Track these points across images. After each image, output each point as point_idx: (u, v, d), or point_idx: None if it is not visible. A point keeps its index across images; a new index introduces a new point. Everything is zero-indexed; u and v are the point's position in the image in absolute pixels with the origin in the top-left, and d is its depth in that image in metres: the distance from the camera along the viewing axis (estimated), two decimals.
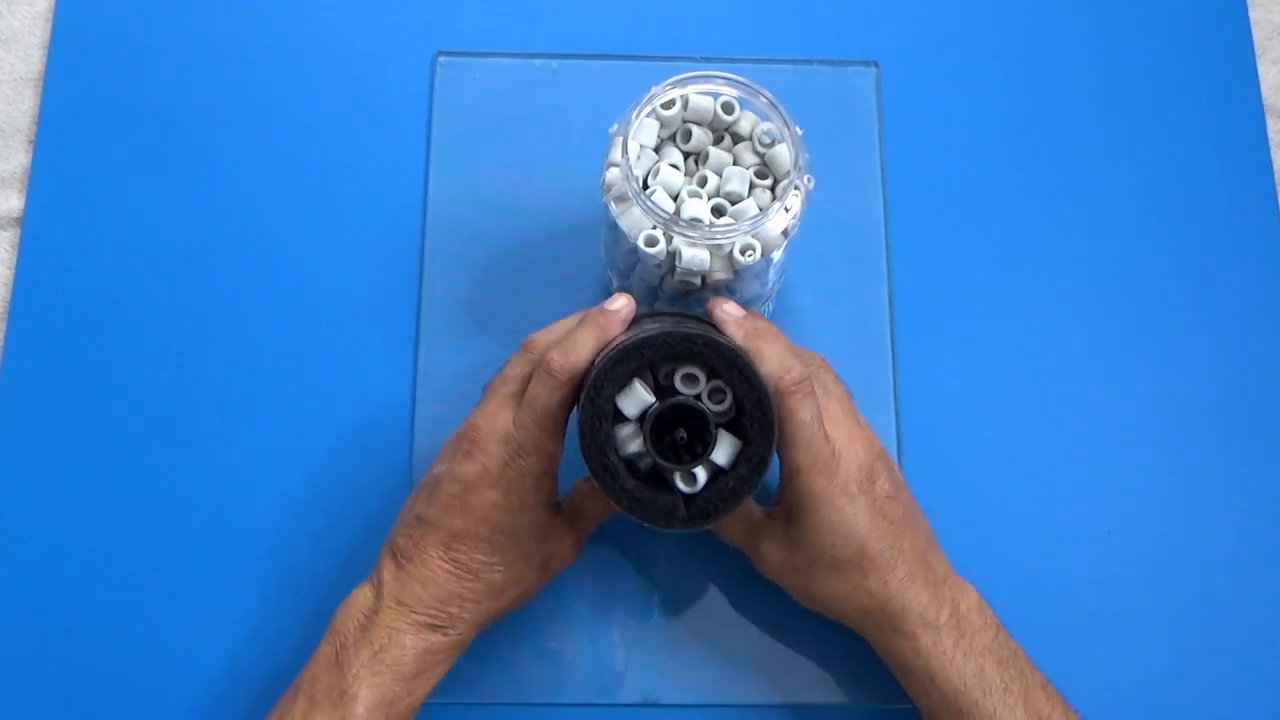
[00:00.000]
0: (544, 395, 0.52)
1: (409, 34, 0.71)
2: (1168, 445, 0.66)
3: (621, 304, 0.54)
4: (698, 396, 0.51)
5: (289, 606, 0.61)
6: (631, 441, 0.51)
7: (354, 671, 0.52)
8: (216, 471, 0.63)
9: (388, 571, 0.54)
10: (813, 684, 0.61)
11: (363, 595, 0.54)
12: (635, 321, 0.55)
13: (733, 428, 0.51)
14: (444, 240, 0.67)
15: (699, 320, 0.55)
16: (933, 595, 0.54)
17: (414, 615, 0.53)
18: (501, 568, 0.54)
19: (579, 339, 0.53)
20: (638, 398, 0.50)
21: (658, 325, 0.52)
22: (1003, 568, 0.62)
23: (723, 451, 0.50)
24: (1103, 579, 0.63)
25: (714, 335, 0.51)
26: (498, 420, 0.53)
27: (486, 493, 0.53)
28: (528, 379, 0.54)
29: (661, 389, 0.51)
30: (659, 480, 0.52)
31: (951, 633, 0.53)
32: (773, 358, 0.52)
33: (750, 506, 0.57)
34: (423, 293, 0.66)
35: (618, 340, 0.52)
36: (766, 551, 0.56)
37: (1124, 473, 0.65)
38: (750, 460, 0.50)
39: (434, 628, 0.53)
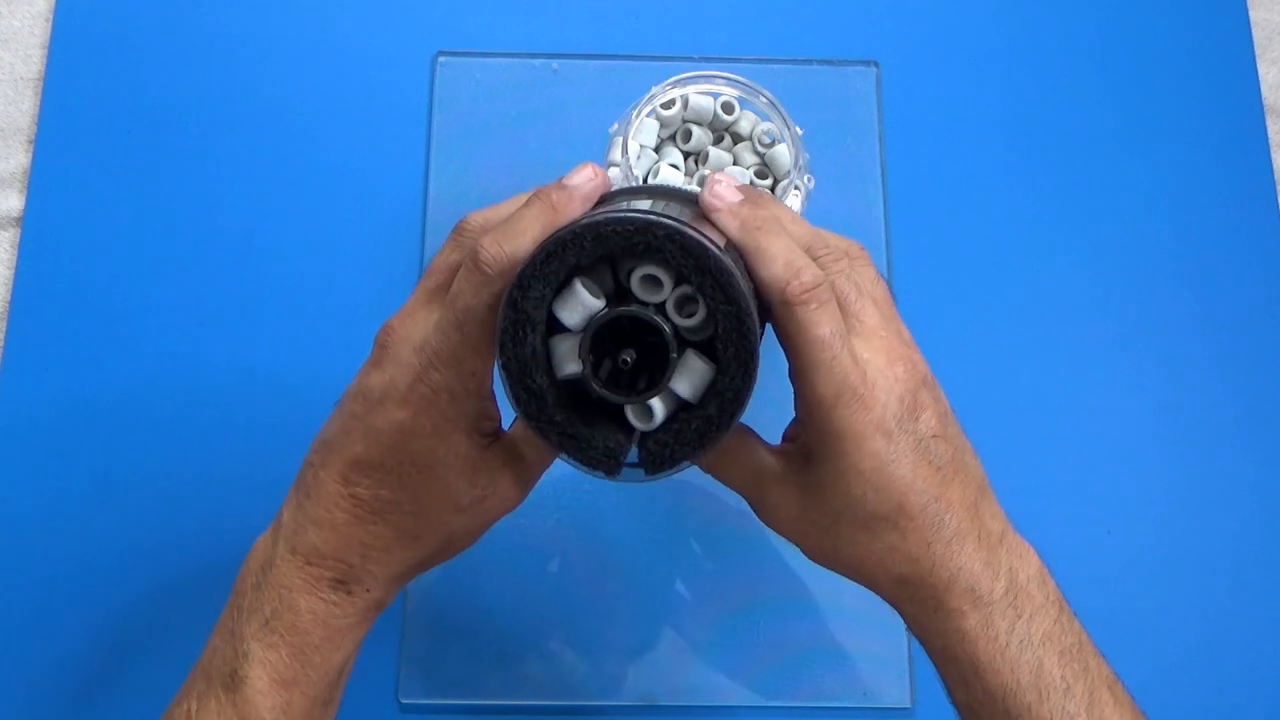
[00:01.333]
0: (468, 293, 0.41)
1: (409, 34, 0.71)
2: (1168, 445, 0.65)
3: (584, 177, 0.42)
4: (660, 306, 0.39)
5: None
6: (571, 361, 0.40)
7: (245, 645, 0.43)
8: (217, 471, 0.63)
9: (287, 511, 0.45)
10: (813, 684, 0.61)
11: (262, 543, 0.45)
12: (606, 200, 0.44)
13: (708, 350, 0.40)
14: (444, 240, 0.67)
15: (690, 203, 0.44)
16: (986, 561, 0.43)
17: (310, 569, 0.43)
18: (412, 507, 0.43)
19: (521, 222, 0.41)
20: (581, 303, 0.39)
21: (626, 205, 0.41)
22: None
23: (686, 380, 0.39)
24: (1103, 579, 0.63)
25: (686, 225, 0.39)
26: (414, 322, 0.43)
27: (393, 412, 0.42)
28: (457, 270, 0.43)
29: (622, 295, 0.40)
30: (603, 413, 0.42)
31: (1007, 613, 0.43)
32: (777, 257, 0.41)
33: (753, 443, 0.46)
34: None
35: (564, 225, 0.40)
36: (775, 502, 0.45)
37: (1124, 473, 0.65)
38: (721, 396, 0.39)
39: (335, 584, 0.44)
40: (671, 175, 0.57)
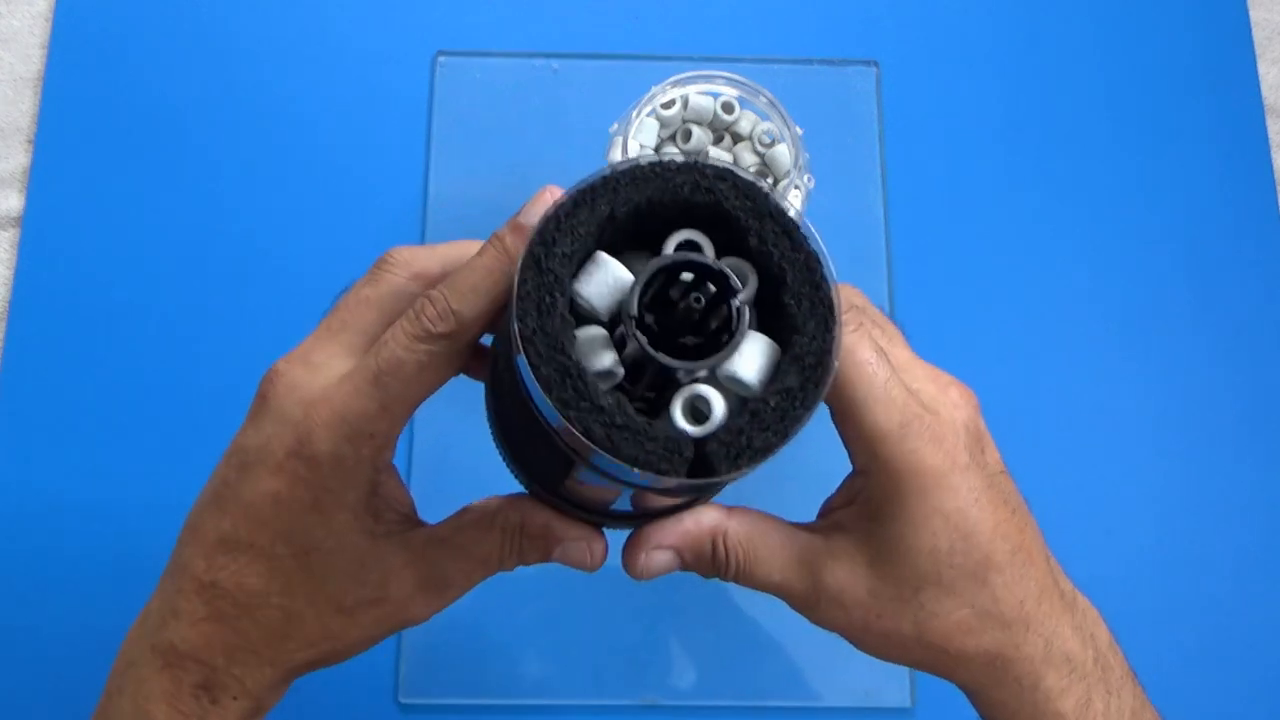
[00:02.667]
0: (403, 345, 0.34)
1: (409, 34, 0.71)
2: (1168, 445, 0.65)
3: (543, 205, 0.34)
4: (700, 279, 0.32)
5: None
6: (597, 355, 0.32)
7: None
8: None
9: (155, 597, 0.38)
10: (813, 684, 0.61)
11: (130, 639, 0.38)
12: None
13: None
14: (444, 240, 0.67)
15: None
16: (1074, 627, 0.38)
17: (169, 671, 0.36)
18: (282, 600, 0.36)
19: (474, 275, 0.34)
20: (609, 279, 0.32)
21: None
22: None
23: (750, 360, 0.32)
24: (1103, 579, 0.63)
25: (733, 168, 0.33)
26: (307, 368, 0.36)
27: (267, 479, 0.35)
28: (379, 313, 0.37)
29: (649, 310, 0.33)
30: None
31: (1099, 688, 0.37)
32: None
33: (785, 527, 0.38)
34: None
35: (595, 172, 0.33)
36: (837, 581, 0.37)
37: (1124, 473, 0.65)
38: (802, 363, 0.31)
39: (198, 691, 0.36)
40: None
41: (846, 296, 0.34)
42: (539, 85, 0.70)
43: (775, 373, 0.32)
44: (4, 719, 0.60)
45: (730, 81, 0.56)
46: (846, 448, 0.37)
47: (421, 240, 0.67)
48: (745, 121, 0.58)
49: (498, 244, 0.35)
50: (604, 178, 0.32)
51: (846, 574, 0.37)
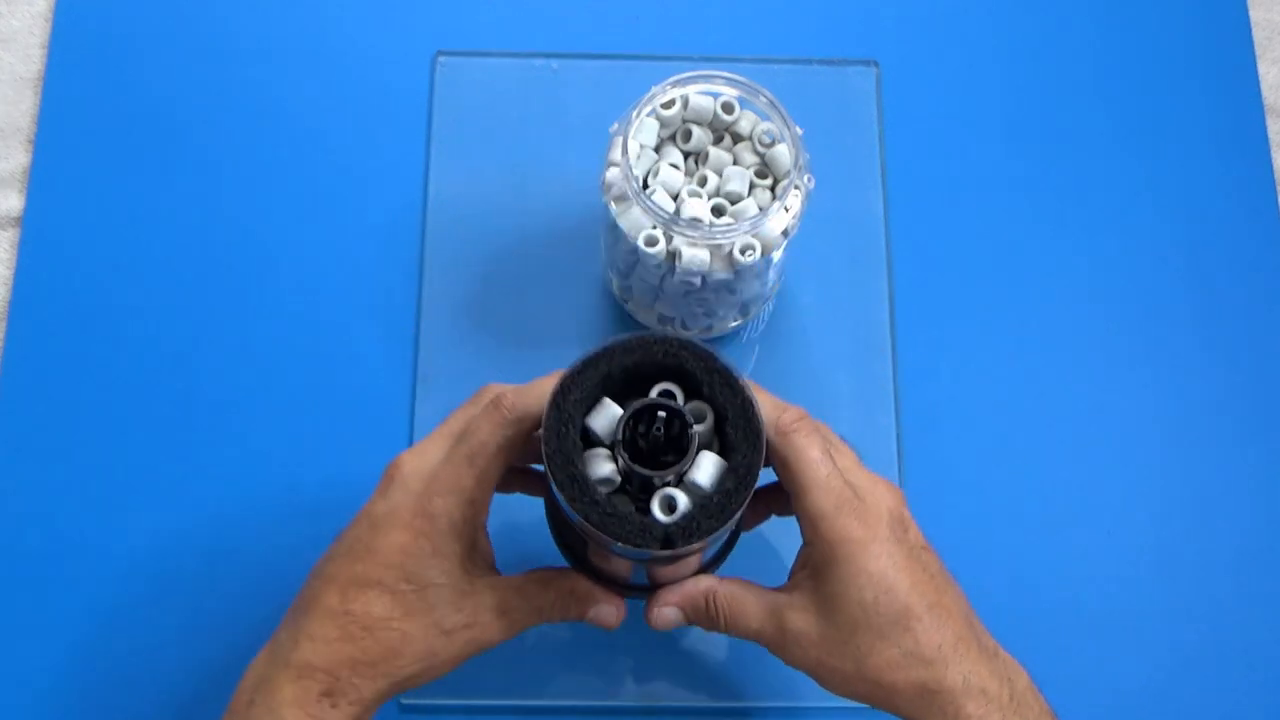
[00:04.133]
0: (484, 430, 0.47)
1: (409, 34, 0.71)
2: (1168, 445, 0.65)
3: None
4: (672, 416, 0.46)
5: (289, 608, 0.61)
6: (601, 465, 0.46)
7: None
8: (216, 472, 0.63)
9: (283, 630, 0.48)
10: (812, 684, 0.61)
11: (257, 662, 0.48)
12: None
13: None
14: (444, 240, 0.67)
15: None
16: (991, 669, 0.46)
17: (302, 682, 0.46)
18: (401, 624, 0.47)
19: (539, 382, 0.48)
20: (608, 415, 0.46)
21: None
22: (1003, 568, 0.62)
23: (704, 471, 0.45)
24: (1103, 579, 0.63)
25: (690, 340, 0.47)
26: (424, 456, 0.48)
27: (394, 534, 0.47)
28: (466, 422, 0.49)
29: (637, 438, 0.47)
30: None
31: (1014, 718, 0.46)
32: (764, 402, 0.47)
33: (761, 589, 0.51)
34: (423, 293, 0.66)
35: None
36: (795, 627, 0.48)
37: (1124, 473, 0.65)
38: (737, 472, 0.45)
39: (323, 696, 0.46)
40: (671, 175, 0.57)
41: (811, 422, 0.48)
42: (539, 85, 0.70)
43: (721, 478, 0.45)
44: (4, 715, 0.60)
45: (730, 81, 0.56)
46: (799, 524, 0.48)
47: (422, 239, 0.67)
48: (745, 121, 0.58)
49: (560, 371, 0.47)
50: (605, 348, 0.45)
51: (803, 621, 0.48)
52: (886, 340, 0.66)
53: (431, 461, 0.48)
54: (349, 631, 0.46)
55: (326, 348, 0.66)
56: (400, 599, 0.46)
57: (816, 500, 0.47)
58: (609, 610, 0.51)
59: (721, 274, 0.56)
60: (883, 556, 0.46)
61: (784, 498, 0.50)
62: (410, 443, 0.63)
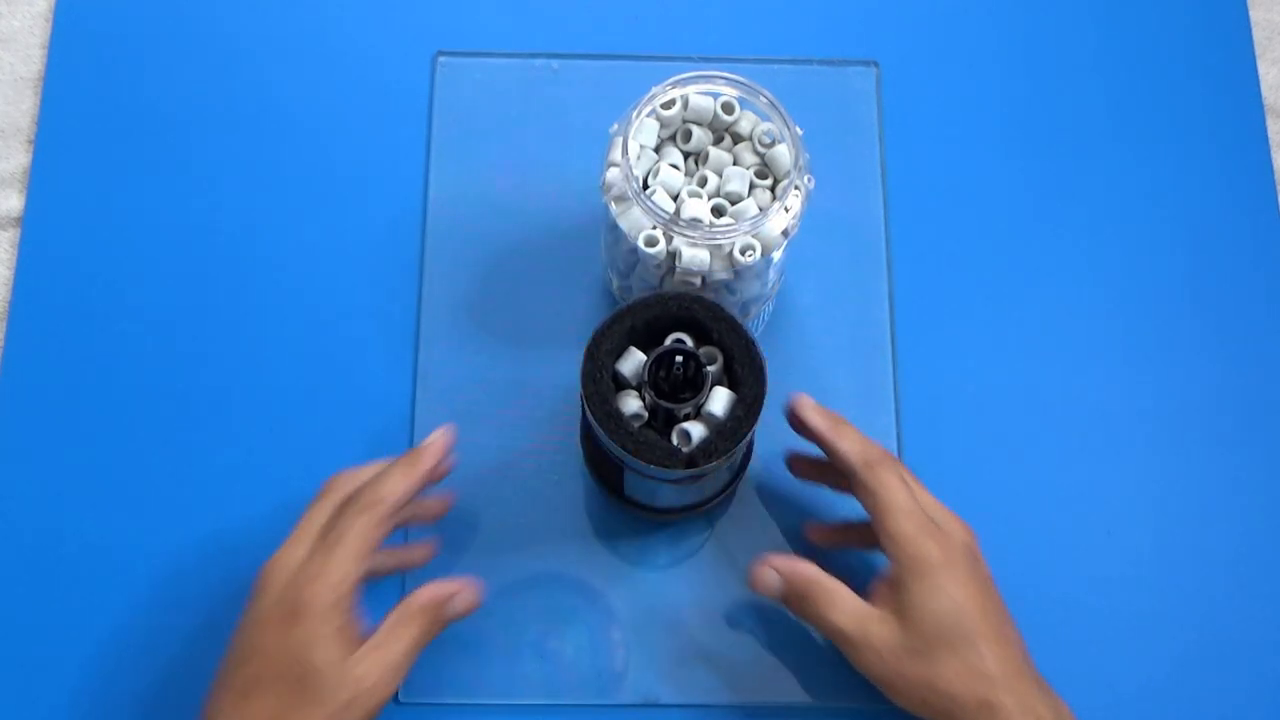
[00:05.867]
0: (367, 529, 0.51)
1: (409, 34, 0.71)
2: (1168, 445, 0.65)
3: (435, 437, 0.54)
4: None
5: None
6: (631, 403, 0.53)
7: None
8: (216, 472, 0.63)
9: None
10: (813, 684, 0.61)
11: None
12: None
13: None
14: (444, 240, 0.67)
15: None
16: (1041, 697, 0.51)
17: None
18: (294, 715, 0.49)
19: (394, 474, 0.52)
20: (635, 361, 0.53)
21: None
22: (1003, 567, 0.62)
23: (718, 402, 0.52)
24: (1103, 579, 0.63)
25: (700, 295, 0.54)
26: (292, 556, 0.51)
27: (272, 633, 0.50)
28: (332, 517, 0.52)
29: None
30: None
31: None
32: (855, 439, 0.55)
33: (852, 597, 0.55)
34: (423, 293, 0.66)
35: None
36: (877, 635, 0.53)
37: (1124, 473, 0.65)
38: (745, 401, 0.52)
39: None
40: (671, 175, 0.57)
41: (893, 458, 0.56)
42: (539, 85, 0.70)
43: (732, 408, 0.52)
44: (4, 716, 0.60)
45: (730, 82, 0.56)
46: (880, 545, 0.54)
47: (422, 239, 0.67)
48: (745, 122, 0.58)
49: (405, 461, 0.53)
50: (628, 305, 0.53)
51: (885, 631, 0.53)
52: (886, 340, 0.66)
53: (334, 575, 0.50)
54: None
55: (327, 348, 0.66)
56: (290, 691, 0.49)
57: (900, 523, 0.52)
58: (462, 598, 0.54)
59: (721, 274, 0.56)
60: (959, 580, 0.52)
61: (863, 530, 0.56)
62: (411, 443, 0.64)
